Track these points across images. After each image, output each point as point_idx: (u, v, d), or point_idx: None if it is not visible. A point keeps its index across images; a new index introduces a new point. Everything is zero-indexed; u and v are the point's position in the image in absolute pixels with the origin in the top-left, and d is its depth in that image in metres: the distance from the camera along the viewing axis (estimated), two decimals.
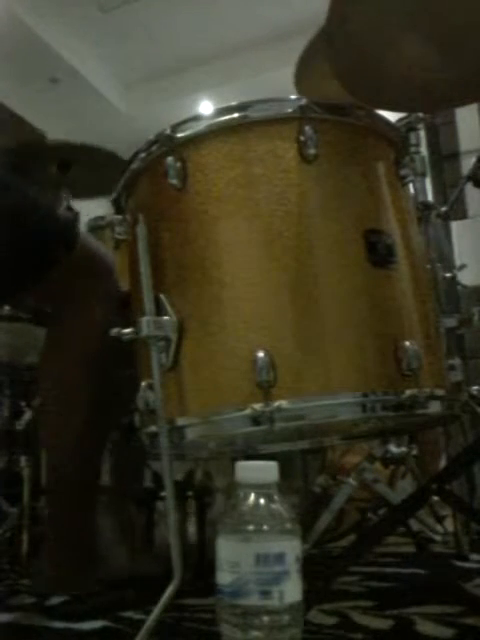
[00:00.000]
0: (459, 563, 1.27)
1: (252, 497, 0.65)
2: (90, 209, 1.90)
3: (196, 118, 0.97)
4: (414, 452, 1.63)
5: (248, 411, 0.84)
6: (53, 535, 1.12)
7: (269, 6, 4.52)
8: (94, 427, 1.12)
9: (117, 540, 1.17)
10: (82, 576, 1.06)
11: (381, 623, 0.86)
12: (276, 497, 0.66)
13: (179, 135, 0.97)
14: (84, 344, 1.10)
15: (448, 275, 1.32)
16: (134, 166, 1.03)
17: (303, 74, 1.51)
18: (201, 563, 1.22)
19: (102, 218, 1.50)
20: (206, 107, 5.33)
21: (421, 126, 1.42)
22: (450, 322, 1.15)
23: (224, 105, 0.95)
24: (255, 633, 0.62)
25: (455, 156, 3.26)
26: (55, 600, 1.06)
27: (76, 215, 1.15)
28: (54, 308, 1.15)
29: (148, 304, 0.92)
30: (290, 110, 0.95)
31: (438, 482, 0.94)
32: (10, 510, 1.55)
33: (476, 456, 1.11)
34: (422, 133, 1.44)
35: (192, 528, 1.33)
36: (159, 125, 0.99)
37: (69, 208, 1.87)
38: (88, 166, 1.82)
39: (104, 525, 1.17)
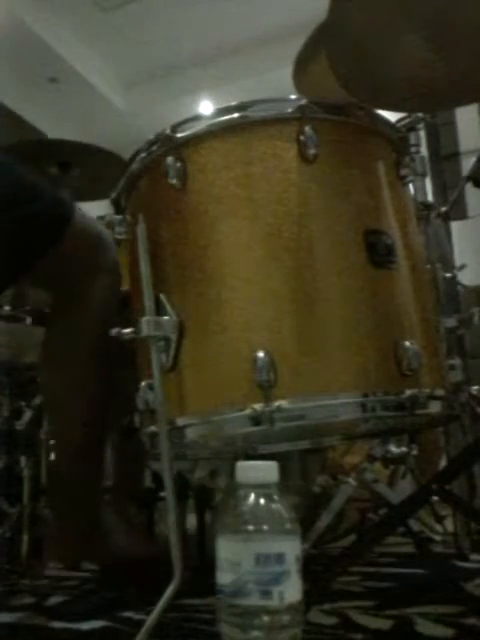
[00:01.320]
0: (459, 563, 1.27)
1: (252, 497, 0.65)
2: (90, 209, 1.91)
3: (196, 118, 0.97)
4: (414, 452, 1.63)
5: (248, 411, 0.84)
6: (62, 515, 1.12)
7: (269, 6, 4.52)
8: (95, 423, 1.12)
9: (118, 527, 1.17)
10: (93, 547, 1.07)
11: (381, 623, 0.86)
12: (276, 497, 0.66)
13: (179, 135, 0.97)
14: (84, 332, 1.09)
15: (448, 275, 1.32)
16: (134, 166, 1.03)
17: (302, 73, 1.51)
18: (201, 563, 1.22)
19: (102, 218, 1.49)
20: (206, 107, 5.33)
21: (421, 126, 1.42)
22: (450, 322, 1.15)
23: (224, 105, 0.95)
24: (255, 633, 0.62)
25: (455, 156, 3.27)
26: (55, 600, 1.06)
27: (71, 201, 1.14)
28: (53, 293, 1.14)
29: (148, 304, 0.92)
30: (290, 110, 0.95)
31: (438, 482, 0.94)
32: (10, 510, 1.55)
33: (476, 456, 1.11)
34: (422, 133, 1.44)
35: (192, 528, 1.33)
36: (159, 125, 0.99)
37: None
38: (88, 166, 1.82)
39: (108, 513, 1.17)
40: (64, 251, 1.07)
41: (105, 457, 1.18)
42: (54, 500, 1.17)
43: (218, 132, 0.95)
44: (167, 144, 0.97)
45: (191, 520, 1.36)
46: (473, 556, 1.29)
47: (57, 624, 0.95)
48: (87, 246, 1.10)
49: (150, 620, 0.76)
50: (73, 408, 1.09)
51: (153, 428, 0.93)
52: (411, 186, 1.08)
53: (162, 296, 0.93)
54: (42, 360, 1.18)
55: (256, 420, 0.84)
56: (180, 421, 0.90)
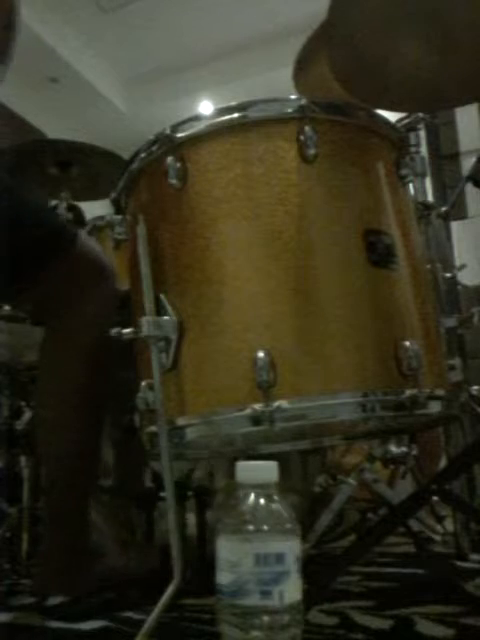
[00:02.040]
0: (459, 563, 1.27)
1: (252, 497, 0.65)
2: (90, 209, 1.91)
3: (196, 118, 0.97)
4: (414, 452, 1.63)
5: (248, 411, 0.84)
6: (50, 535, 1.12)
7: (269, 6, 4.51)
8: (92, 425, 1.12)
9: (116, 540, 1.17)
10: (80, 576, 1.06)
11: (381, 623, 0.86)
12: (276, 497, 0.66)
13: (179, 135, 0.97)
14: (82, 344, 1.09)
15: (448, 275, 1.32)
16: (134, 166, 1.03)
17: (302, 73, 1.51)
18: (201, 563, 1.22)
19: (102, 218, 1.49)
20: (206, 107, 5.33)
21: (421, 126, 1.42)
22: (450, 322, 1.15)
23: (224, 105, 0.95)
24: (255, 633, 0.62)
25: (455, 156, 3.27)
26: (55, 600, 1.06)
27: (78, 212, 1.15)
28: (52, 310, 1.15)
29: (148, 304, 0.92)
30: (290, 110, 0.95)
31: (438, 482, 0.94)
32: (10, 510, 1.55)
33: (476, 456, 1.11)
34: (422, 133, 1.44)
35: (192, 528, 1.33)
36: (159, 125, 0.99)
37: (71, 207, 1.87)
38: (88, 166, 1.82)
39: (103, 525, 1.17)
40: (62, 274, 1.08)
41: (98, 467, 1.18)
42: (45, 522, 1.17)
43: (218, 132, 0.95)
44: (167, 144, 0.97)
45: (191, 520, 1.36)
46: (473, 556, 1.29)
47: (57, 624, 0.95)
48: (86, 273, 1.11)
49: (150, 620, 0.76)
50: (67, 421, 1.09)
51: (153, 428, 0.92)
52: (411, 186, 1.08)
53: (162, 296, 0.93)
54: (38, 371, 1.18)
55: (256, 420, 0.84)
56: (180, 421, 0.90)
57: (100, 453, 1.17)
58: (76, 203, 1.88)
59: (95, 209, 1.79)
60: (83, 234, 1.15)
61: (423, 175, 1.39)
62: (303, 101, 0.95)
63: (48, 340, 1.14)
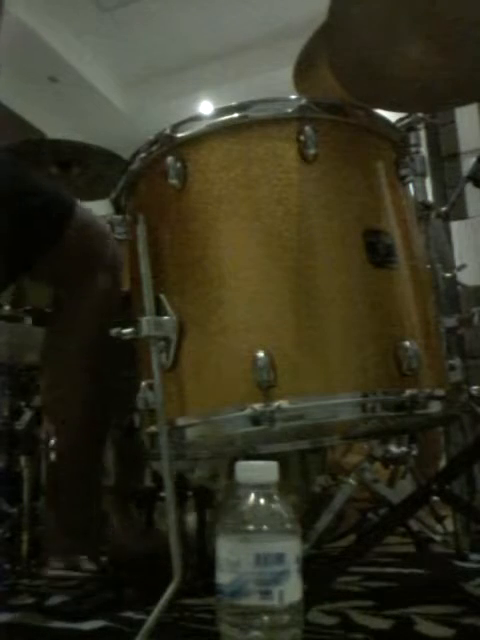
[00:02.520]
0: (459, 563, 1.27)
1: (252, 497, 0.65)
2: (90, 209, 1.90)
3: (196, 118, 0.97)
4: (414, 452, 1.63)
5: (248, 411, 0.84)
6: (54, 526, 1.12)
7: (269, 6, 4.52)
8: (94, 422, 1.12)
9: (118, 525, 1.17)
10: (83, 542, 1.07)
11: (381, 623, 0.86)
12: (276, 497, 0.66)
13: (179, 135, 0.97)
14: (85, 326, 1.09)
15: (448, 275, 1.32)
16: (134, 166, 1.03)
17: (302, 73, 1.51)
18: (201, 563, 1.22)
19: (102, 218, 1.50)
20: (206, 107, 5.33)
21: (421, 126, 1.42)
22: (450, 322, 1.15)
23: (224, 105, 0.95)
24: (255, 633, 0.62)
25: (455, 156, 3.27)
26: (55, 600, 1.06)
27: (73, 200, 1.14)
28: (55, 287, 1.14)
29: (148, 304, 0.92)
30: (290, 110, 0.95)
31: (438, 482, 0.94)
32: (10, 510, 1.54)
33: (476, 456, 1.11)
34: (422, 133, 1.44)
35: (192, 528, 1.33)
36: (159, 125, 0.99)
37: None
38: (88, 166, 1.82)
39: (105, 516, 1.18)
40: (66, 247, 1.07)
41: (104, 456, 1.18)
42: (54, 500, 1.17)
43: (218, 132, 0.95)
44: (167, 144, 0.97)
45: (191, 520, 1.36)
46: (473, 556, 1.29)
47: (57, 624, 0.95)
48: (88, 241, 1.10)
49: (150, 620, 0.76)
50: (71, 408, 1.09)
51: (153, 428, 0.92)
52: (411, 186, 1.08)
53: (162, 296, 0.93)
54: (42, 359, 1.18)
55: (256, 420, 0.84)
56: (180, 421, 0.90)
57: (105, 437, 1.16)
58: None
59: (95, 209, 1.79)
60: (80, 204, 1.14)
61: (423, 175, 1.39)
62: (303, 101, 0.95)
63: (56, 311, 1.13)
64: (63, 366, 1.11)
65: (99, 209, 1.64)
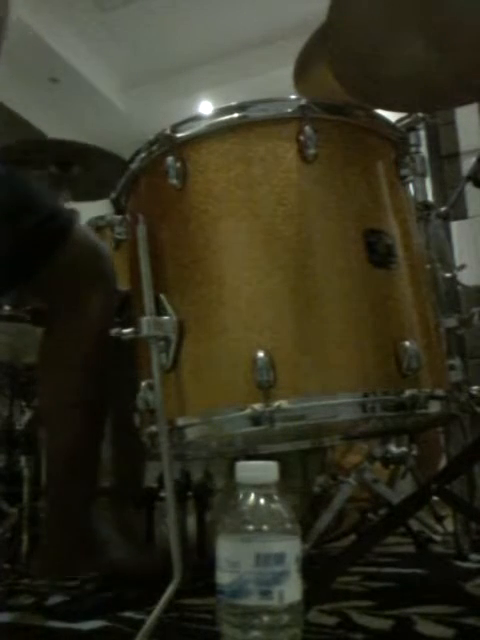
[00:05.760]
0: (459, 563, 1.27)
1: (252, 497, 0.65)
2: (90, 209, 1.91)
3: (196, 118, 0.97)
4: (414, 452, 1.63)
5: (248, 411, 0.84)
6: (52, 522, 1.12)
7: (268, 6, 4.51)
8: (92, 427, 1.12)
9: (117, 537, 1.17)
10: (80, 561, 1.06)
11: (381, 623, 0.86)
12: (276, 497, 0.66)
13: (179, 135, 0.97)
14: (81, 343, 1.09)
15: (448, 275, 1.32)
16: (134, 166, 1.03)
17: (302, 73, 1.51)
18: (201, 563, 1.22)
19: (102, 218, 1.50)
20: (206, 107, 5.33)
21: (421, 126, 1.42)
22: (450, 322, 1.15)
23: (224, 105, 0.95)
24: (255, 633, 0.62)
25: (455, 156, 3.26)
26: (55, 600, 1.06)
27: (75, 214, 1.15)
28: (51, 305, 1.14)
29: (148, 304, 0.92)
30: (290, 110, 0.95)
31: (438, 482, 0.94)
32: (10, 510, 1.55)
33: (476, 456, 1.11)
34: (422, 133, 1.44)
35: (192, 528, 1.33)
36: (159, 125, 0.99)
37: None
38: (88, 166, 1.82)
39: (104, 524, 1.17)
40: (63, 262, 1.07)
41: (99, 466, 1.18)
42: (47, 511, 1.17)
43: (218, 132, 0.95)
44: (167, 144, 0.97)
45: (191, 520, 1.36)
46: (473, 556, 1.29)
47: (57, 624, 0.95)
48: (86, 257, 1.11)
49: (150, 620, 0.76)
50: (67, 420, 1.09)
51: (153, 428, 0.92)
52: (411, 186, 1.08)
53: (162, 296, 0.93)
54: (38, 369, 1.18)
55: (256, 420, 0.84)
56: (180, 421, 0.90)
57: (100, 451, 1.17)
58: (73, 205, 1.88)
59: (95, 209, 1.79)
60: (82, 226, 1.14)
61: (423, 175, 1.39)
62: (303, 101, 0.95)
63: (47, 338, 1.14)
64: (59, 378, 1.11)
65: (99, 209, 1.65)
